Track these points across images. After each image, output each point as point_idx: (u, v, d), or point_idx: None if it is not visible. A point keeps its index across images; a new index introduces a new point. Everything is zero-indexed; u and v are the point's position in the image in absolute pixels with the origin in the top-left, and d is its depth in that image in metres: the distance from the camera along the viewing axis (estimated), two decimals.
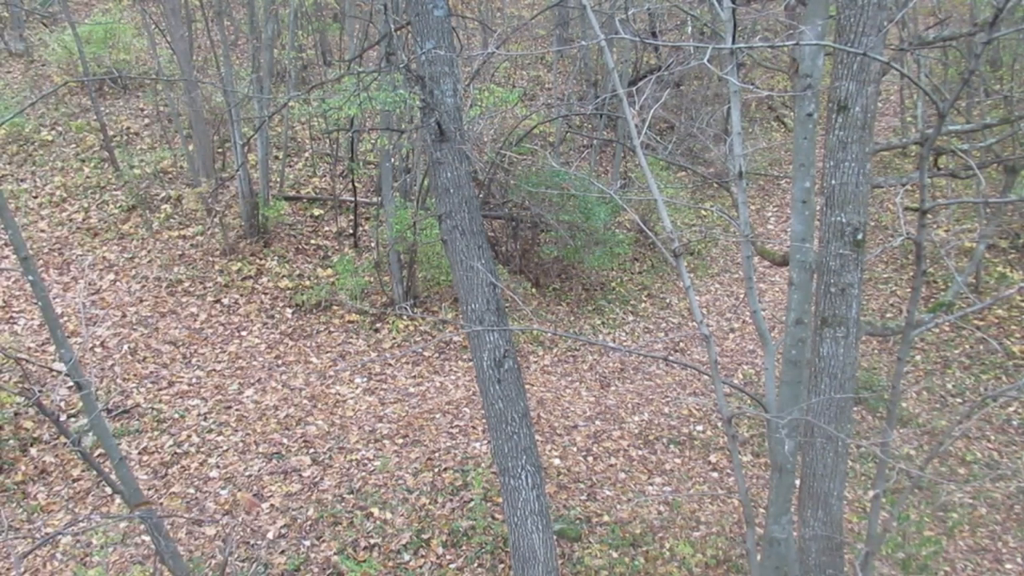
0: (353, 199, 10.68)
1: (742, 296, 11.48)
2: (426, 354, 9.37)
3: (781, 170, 14.76)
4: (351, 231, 10.82)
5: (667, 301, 11.43)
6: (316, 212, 11.07)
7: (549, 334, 9.04)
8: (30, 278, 4.27)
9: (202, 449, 7.38)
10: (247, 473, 7.07)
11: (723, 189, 12.89)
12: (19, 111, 4.07)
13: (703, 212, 12.82)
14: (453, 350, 9.54)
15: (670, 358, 3.71)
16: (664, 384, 9.54)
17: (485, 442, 7.67)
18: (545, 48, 13.59)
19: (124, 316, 8.94)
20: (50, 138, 11.40)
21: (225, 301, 9.52)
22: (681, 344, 10.43)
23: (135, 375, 8.19)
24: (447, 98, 4.82)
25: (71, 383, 6.63)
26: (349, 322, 9.61)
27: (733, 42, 3.87)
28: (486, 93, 9.61)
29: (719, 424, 8.69)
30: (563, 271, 11.21)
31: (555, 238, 10.49)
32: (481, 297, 5.00)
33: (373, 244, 10.37)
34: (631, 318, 10.92)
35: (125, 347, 8.51)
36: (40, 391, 7.56)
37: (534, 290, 10.79)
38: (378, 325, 9.62)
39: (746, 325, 10.90)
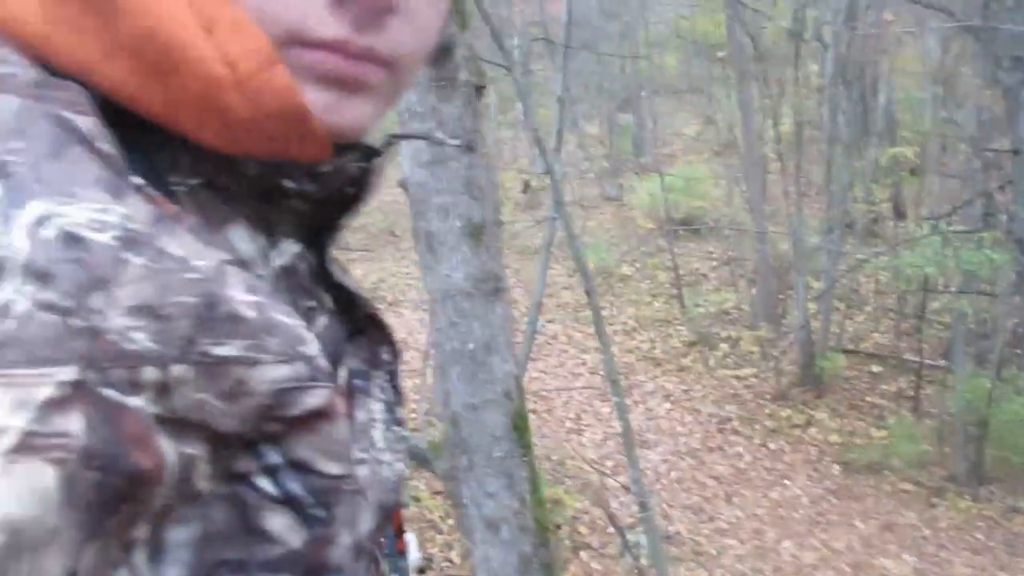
0: (917, 360, 10.04)
1: None
2: (990, 544, 8.28)
3: None
4: (911, 393, 10.14)
5: None
6: (874, 369, 10.61)
7: None
8: (616, 399, 4.67)
9: None
10: None
11: None
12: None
13: None
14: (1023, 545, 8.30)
15: None
16: None
17: None
18: None
19: (675, 445, 9.35)
20: (629, 273, 12.63)
21: (772, 446, 9.47)
22: None
23: (679, 504, 8.46)
24: None
25: (631, 499, 7.03)
26: (901, 491, 8.92)
27: None
28: None
29: None
30: None
31: None
32: None
33: (936, 411, 9.58)
34: None
35: (673, 475, 8.86)
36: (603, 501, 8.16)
37: None
38: (934, 500, 8.77)
39: None
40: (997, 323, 9.43)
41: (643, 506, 4.79)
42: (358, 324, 0.65)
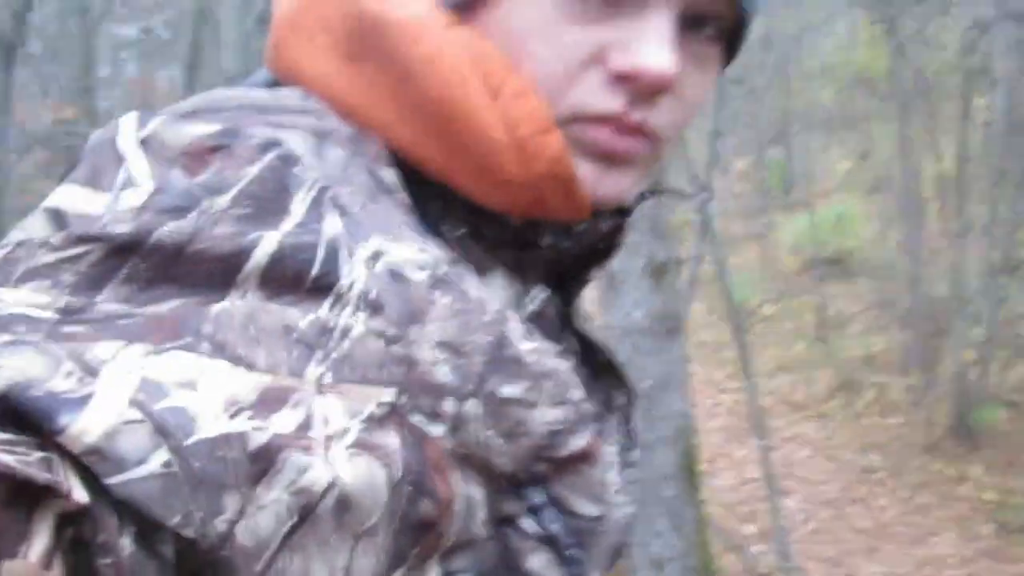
0: None
1: None
2: None
3: None
4: None
5: None
6: None
7: None
8: (760, 443, 4.54)
9: None
10: None
11: None
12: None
13: None
14: None
15: None
16: None
17: None
18: None
19: (814, 493, 9.00)
20: (771, 312, 12.27)
21: (919, 500, 8.98)
22: None
23: (816, 556, 8.12)
24: None
25: (768, 548, 6.82)
26: None
27: None
28: None
29: None
30: None
31: None
32: None
33: None
34: None
35: (811, 525, 8.52)
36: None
37: None
38: None
39: None
40: None
41: (784, 556, 4.62)
42: (595, 368, 0.69)
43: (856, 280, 13.06)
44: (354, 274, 0.46)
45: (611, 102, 0.58)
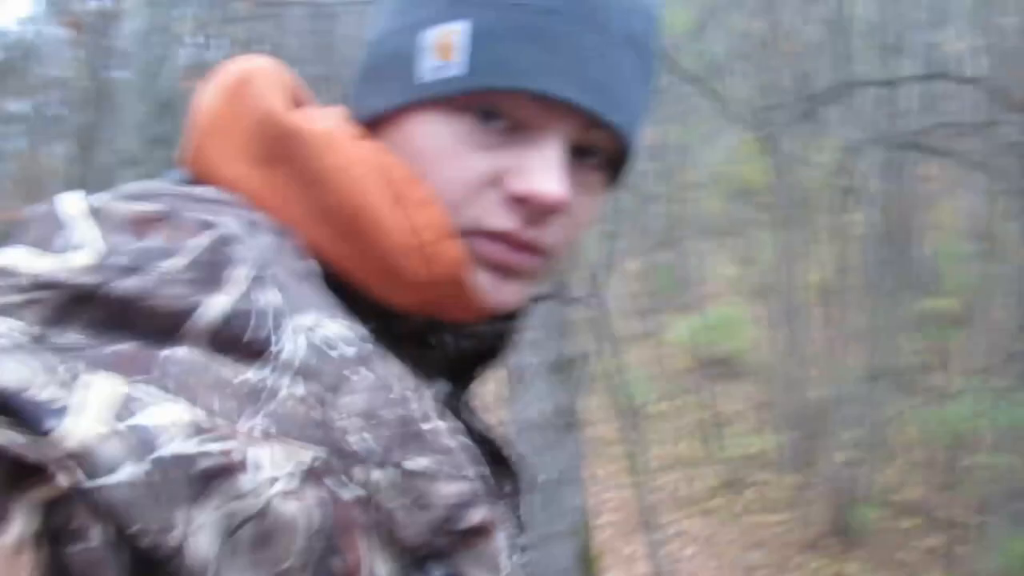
0: (949, 517, 9.74)
1: None
2: None
3: None
4: (945, 551, 9.79)
5: None
6: (905, 524, 10.29)
7: None
8: (649, 539, 4.61)
9: None
10: None
11: None
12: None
13: None
14: None
15: None
16: None
17: None
18: None
19: None
20: (660, 411, 12.53)
21: None
22: None
23: None
24: None
25: None
26: None
27: None
28: None
29: None
30: None
31: None
32: None
33: (969, 570, 9.22)
34: None
35: None
36: None
37: None
38: None
39: None
40: None
41: None
42: (486, 458, 0.71)
43: (741, 380, 13.50)
44: (289, 342, 0.50)
45: (506, 220, 0.63)
